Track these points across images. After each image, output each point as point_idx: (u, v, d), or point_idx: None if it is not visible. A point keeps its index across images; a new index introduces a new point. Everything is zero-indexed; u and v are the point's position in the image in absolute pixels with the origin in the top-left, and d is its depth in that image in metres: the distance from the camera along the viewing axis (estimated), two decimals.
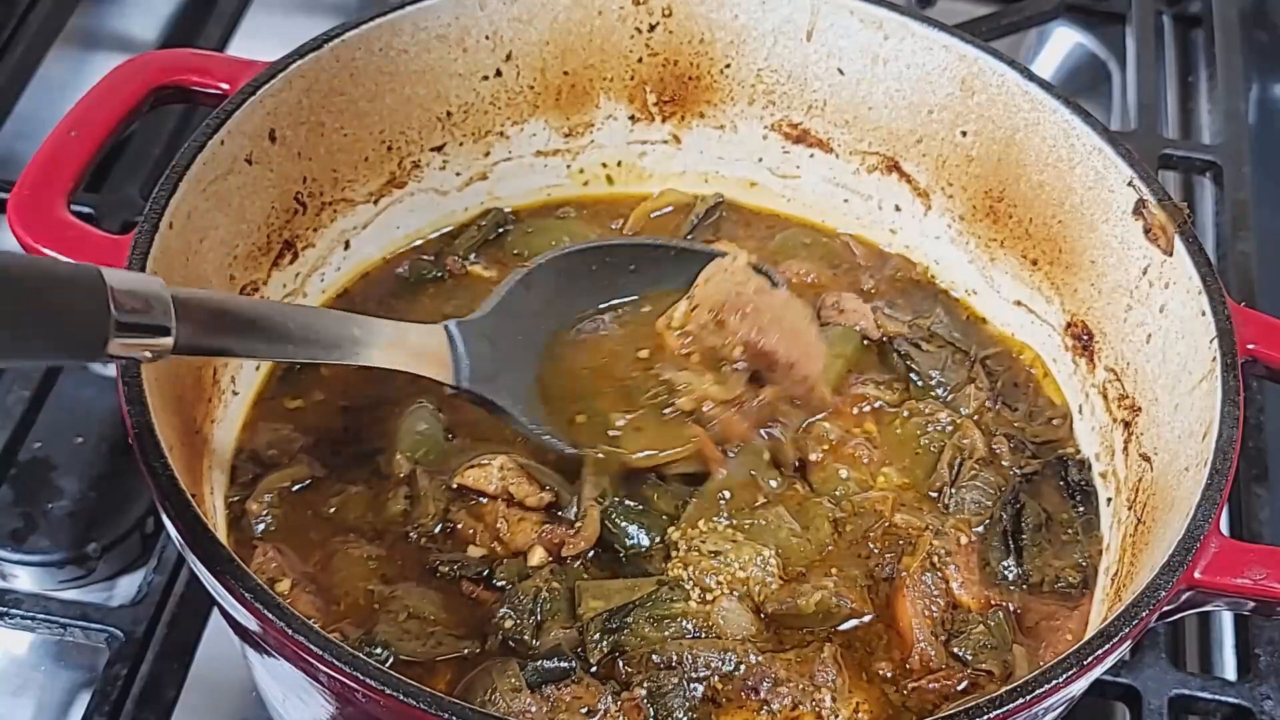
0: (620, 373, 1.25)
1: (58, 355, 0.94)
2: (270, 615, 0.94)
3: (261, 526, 1.20)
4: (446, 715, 0.91)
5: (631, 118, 1.48)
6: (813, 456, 1.26)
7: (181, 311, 0.96)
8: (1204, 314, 1.18)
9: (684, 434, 1.22)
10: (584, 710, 1.07)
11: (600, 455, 1.20)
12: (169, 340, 0.95)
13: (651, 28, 1.43)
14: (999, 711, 0.95)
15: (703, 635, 1.13)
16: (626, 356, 1.26)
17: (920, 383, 1.34)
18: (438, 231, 1.44)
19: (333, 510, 1.21)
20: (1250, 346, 1.18)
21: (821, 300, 1.39)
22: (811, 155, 1.48)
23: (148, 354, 0.95)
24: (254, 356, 1.13)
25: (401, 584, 1.16)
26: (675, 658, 1.10)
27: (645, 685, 1.09)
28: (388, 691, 0.92)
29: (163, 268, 1.14)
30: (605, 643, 1.12)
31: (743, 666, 1.11)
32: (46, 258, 0.95)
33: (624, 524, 1.19)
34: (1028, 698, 0.96)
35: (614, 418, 1.23)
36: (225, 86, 1.26)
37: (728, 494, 1.21)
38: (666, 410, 1.22)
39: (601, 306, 1.30)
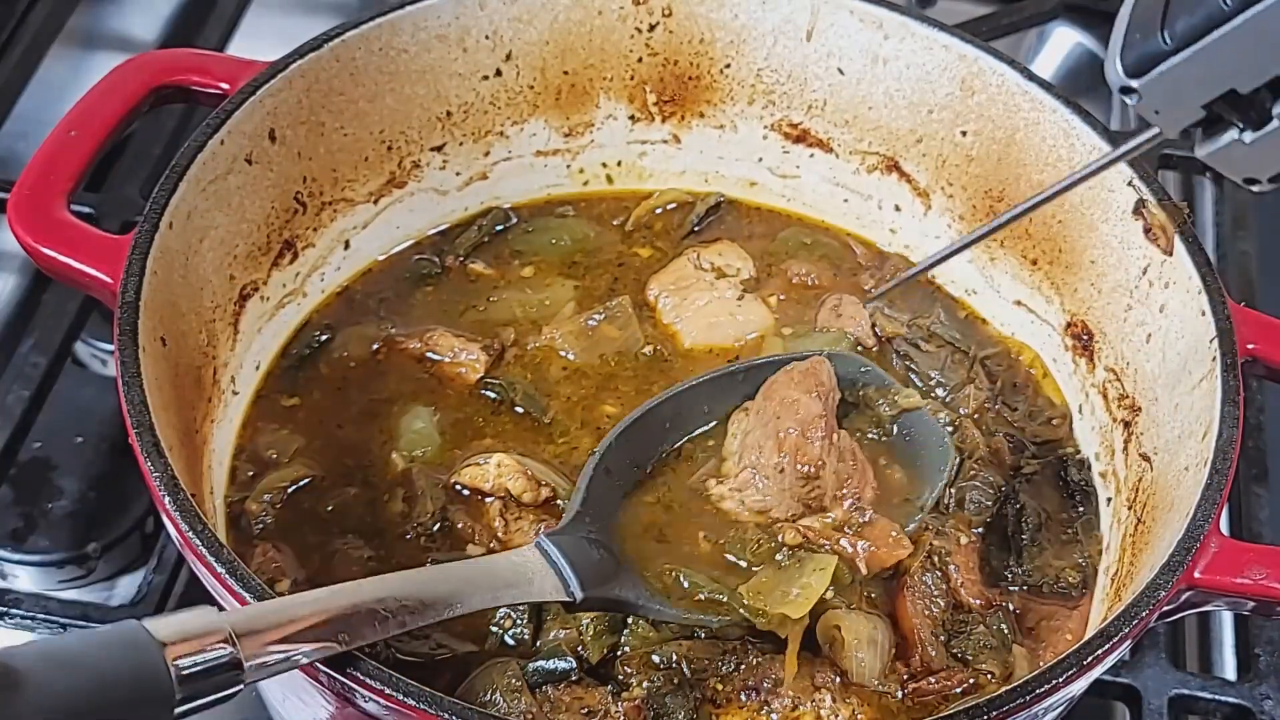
0: (711, 532, 1.19)
1: None
2: None
3: (261, 526, 1.20)
4: (446, 715, 0.91)
5: (631, 117, 1.48)
6: None
7: (244, 644, 0.87)
8: (1204, 314, 1.18)
9: (816, 565, 1.14)
10: (584, 710, 1.07)
11: (767, 621, 1.12)
12: (240, 685, 0.88)
13: (651, 28, 1.43)
14: (999, 712, 0.95)
15: (702, 636, 1.13)
16: (708, 512, 1.20)
17: (920, 383, 1.34)
18: (438, 230, 1.44)
19: (331, 510, 1.21)
20: (1250, 346, 1.18)
21: (821, 302, 1.39)
22: (811, 155, 1.47)
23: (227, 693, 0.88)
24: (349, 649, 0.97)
25: None
26: (675, 658, 1.10)
27: (645, 686, 1.09)
28: (388, 691, 0.92)
29: (163, 267, 1.14)
30: (605, 643, 1.11)
31: (743, 667, 1.11)
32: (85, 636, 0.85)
33: None
34: (1028, 698, 0.96)
35: (731, 581, 1.15)
36: (225, 86, 1.26)
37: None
38: (778, 557, 1.16)
39: (673, 444, 1.24)
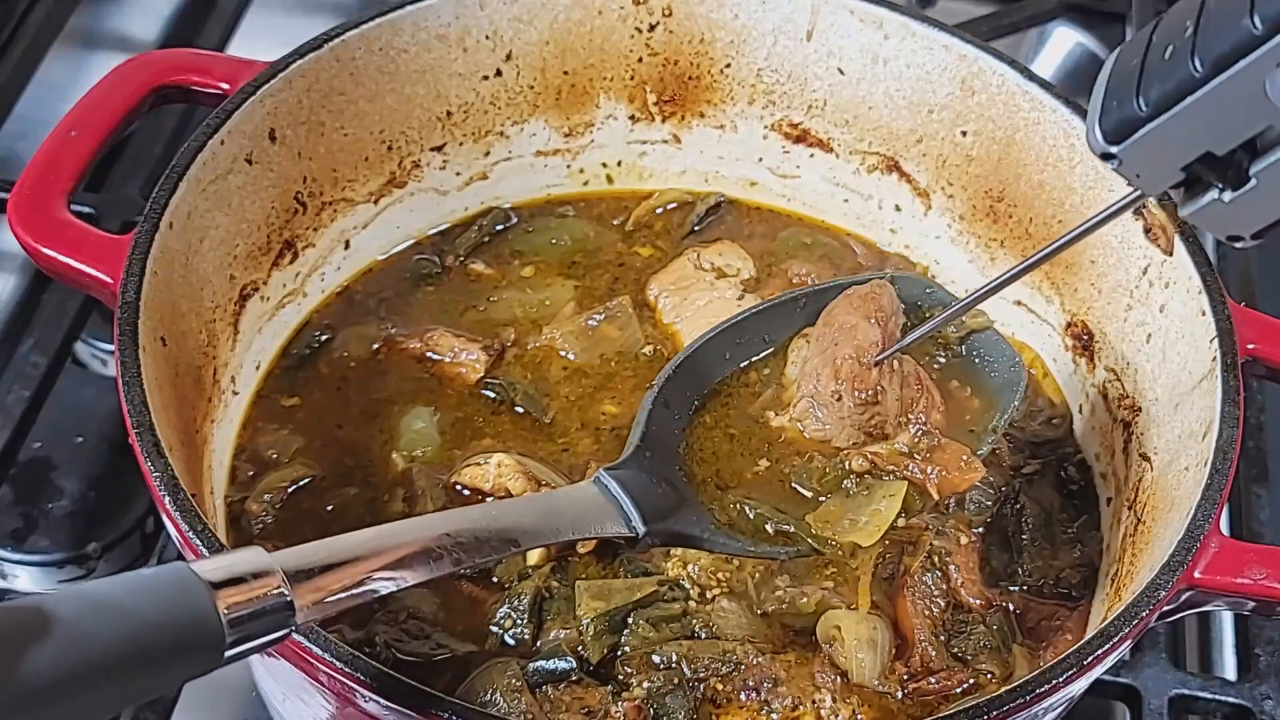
0: (774, 461, 1.17)
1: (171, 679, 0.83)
2: None
3: (261, 526, 1.20)
4: (446, 715, 0.91)
5: (631, 117, 1.48)
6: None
7: (295, 585, 0.84)
8: (1204, 314, 1.18)
9: (885, 492, 1.14)
10: (584, 710, 1.07)
11: (837, 549, 1.13)
12: (293, 627, 0.84)
13: (651, 27, 1.43)
14: (999, 711, 0.95)
15: (703, 635, 1.13)
16: (771, 440, 1.19)
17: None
18: (438, 230, 1.44)
19: (331, 510, 1.21)
20: (1250, 346, 1.18)
21: None
22: (811, 155, 1.47)
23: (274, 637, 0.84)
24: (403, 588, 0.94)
25: None
26: (675, 658, 1.10)
27: (645, 685, 1.09)
28: (388, 691, 0.92)
29: (163, 267, 1.14)
30: (605, 643, 1.11)
31: (743, 666, 1.11)
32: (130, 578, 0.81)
33: None
34: (1028, 698, 0.96)
35: (798, 511, 1.14)
36: (225, 86, 1.26)
37: None
38: (845, 484, 1.15)
39: (731, 373, 1.23)
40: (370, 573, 0.88)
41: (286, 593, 0.83)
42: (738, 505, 1.14)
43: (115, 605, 0.78)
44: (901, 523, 1.13)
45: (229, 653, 0.81)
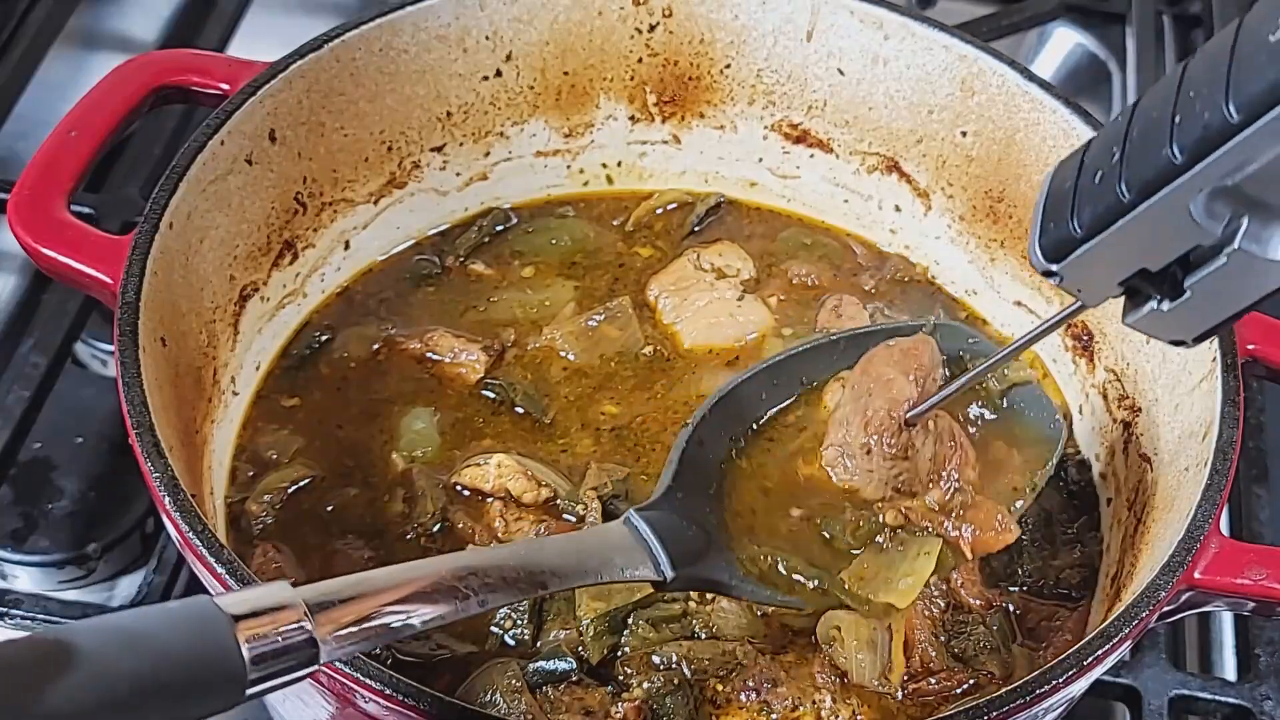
0: (807, 510, 1.15)
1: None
2: None
3: (261, 527, 1.20)
4: (446, 716, 0.91)
5: (631, 118, 1.48)
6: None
7: (319, 621, 0.82)
8: None
9: (920, 549, 1.12)
10: (584, 711, 1.07)
11: (872, 610, 1.11)
12: (317, 665, 0.83)
13: (651, 28, 1.43)
14: (999, 712, 0.95)
15: (702, 636, 1.13)
16: (805, 488, 1.16)
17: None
18: (438, 230, 1.44)
19: (331, 510, 1.21)
20: (1250, 346, 1.18)
21: (821, 302, 1.39)
22: (811, 155, 1.47)
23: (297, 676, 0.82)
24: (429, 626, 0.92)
25: None
26: (675, 658, 1.10)
27: (645, 686, 1.09)
28: (388, 692, 0.92)
29: (163, 268, 1.14)
30: (605, 643, 1.11)
31: (743, 667, 1.11)
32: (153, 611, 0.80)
33: None
34: (1028, 698, 0.96)
35: (830, 563, 1.12)
36: (225, 86, 1.26)
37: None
38: (879, 539, 1.12)
39: (767, 414, 1.19)
40: (396, 608, 0.87)
41: (309, 627, 0.81)
42: (768, 556, 1.11)
43: (138, 638, 0.77)
44: (934, 579, 1.11)
45: (251, 690, 0.79)
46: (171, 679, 0.76)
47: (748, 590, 1.09)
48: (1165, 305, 0.89)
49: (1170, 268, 0.87)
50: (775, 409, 1.20)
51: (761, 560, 1.11)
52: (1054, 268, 0.91)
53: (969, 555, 1.13)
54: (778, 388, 1.20)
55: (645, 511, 1.06)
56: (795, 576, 1.10)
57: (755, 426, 1.18)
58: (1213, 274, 0.84)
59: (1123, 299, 0.92)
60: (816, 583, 1.10)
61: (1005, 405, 1.21)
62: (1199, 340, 0.90)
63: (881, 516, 1.13)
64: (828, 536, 1.13)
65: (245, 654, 0.78)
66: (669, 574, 1.02)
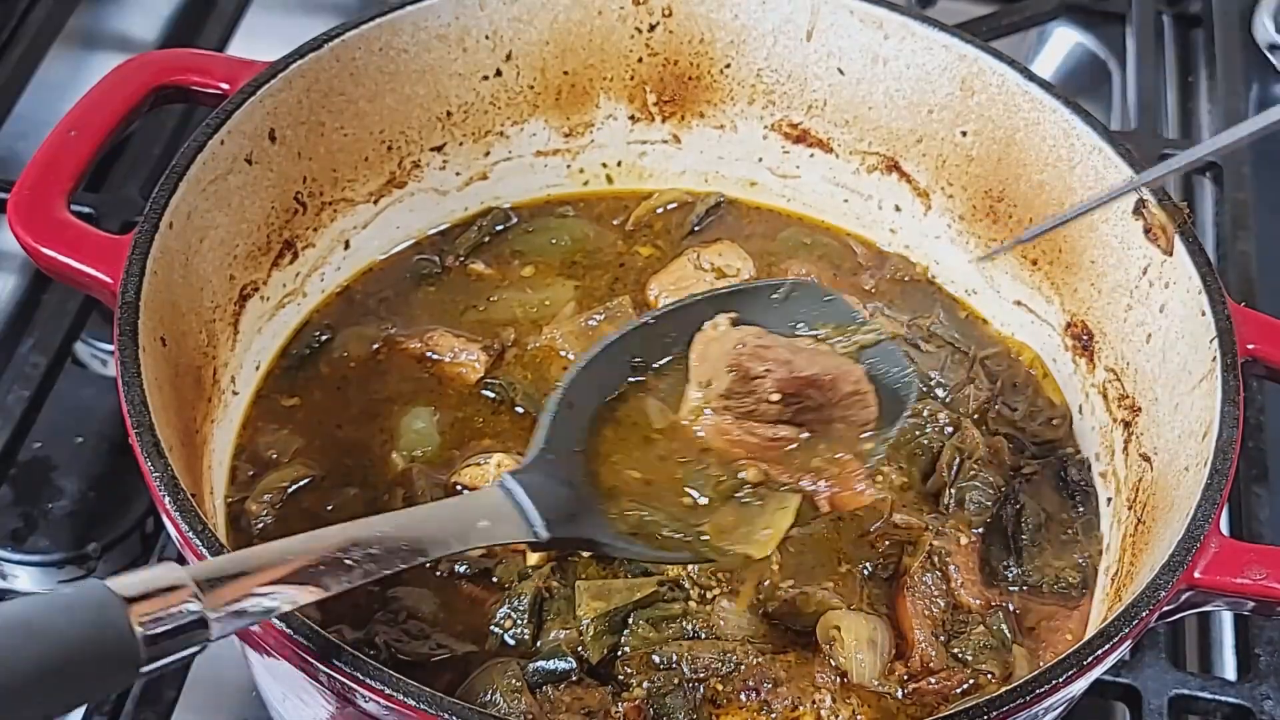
0: (672, 468, 1.17)
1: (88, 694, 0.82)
2: None
3: (261, 526, 1.20)
4: (446, 715, 0.91)
5: (631, 117, 1.48)
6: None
7: (209, 599, 0.85)
8: (1204, 314, 1.18)
9: (778, 504, 1.14)
10: (584, 710, 1.07)
11: (731, 560, 1.12)
12: (206, 643, 0.85)
13: (651, 28, 1.43)
14: (999, 712, 0.95)
15: (703, 636, 1.13)
16: (670, 446, 1.18)
17: (920, 383, 1.33)
18: (438, 230, 1.44)
19: (331, 510, 1.21)
20: (1250, 346, 1.18)
21: None
22: (811, 155, 1.47)
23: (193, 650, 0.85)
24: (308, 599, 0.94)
25: (400, 584, 1.16)
26: (675, 658, 1.10)
27: (645, 686, 1.09)
28: (388, 691, 0.92)
29: (163, 267, 1.14)
30: (605, 643, 1.12)
31: (743, 667, 1.11)
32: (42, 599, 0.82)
33: None
34: (1028, 698, 0.96)
35: (692, 518, 1.14)
36: (225, 86, 1.26)
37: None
38: (739, 495, 1.14)
39: (638, 376, 1.21)
40: (282, 585, 0.89)
41: (201, 607, 0.84)
42: (637, 512, 1.12)
43: (35, 625, 0.79)
44: (796, 533, 1.13)
45: (145, 668, 0.81)
46: (67, 664, 0.78)
47: (620, 548, 1.10)
48: None
49: None
50: (645, 369, 1.21)
51: (631, 517, 1.12)
52: None
53: (826, 508, 1.15)
54: (649, 347, 1.21)
55: (519, 475, 1.07)
56: (663, 532, 1.11)
57: (623, 387, 1.20)
58: None
59: None
60: (680, 535, 1.11)
61: (863, 362, 1.22)
62: None
63: (744, 474, 1.15)
64: (692, 492, 1.15)
65: (139, 635, 0.81)
66: (544, 534, 1.04)
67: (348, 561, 0.92)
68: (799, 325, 1.23)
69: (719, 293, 1.25)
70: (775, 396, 1.16)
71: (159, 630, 0.82)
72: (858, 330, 1.23)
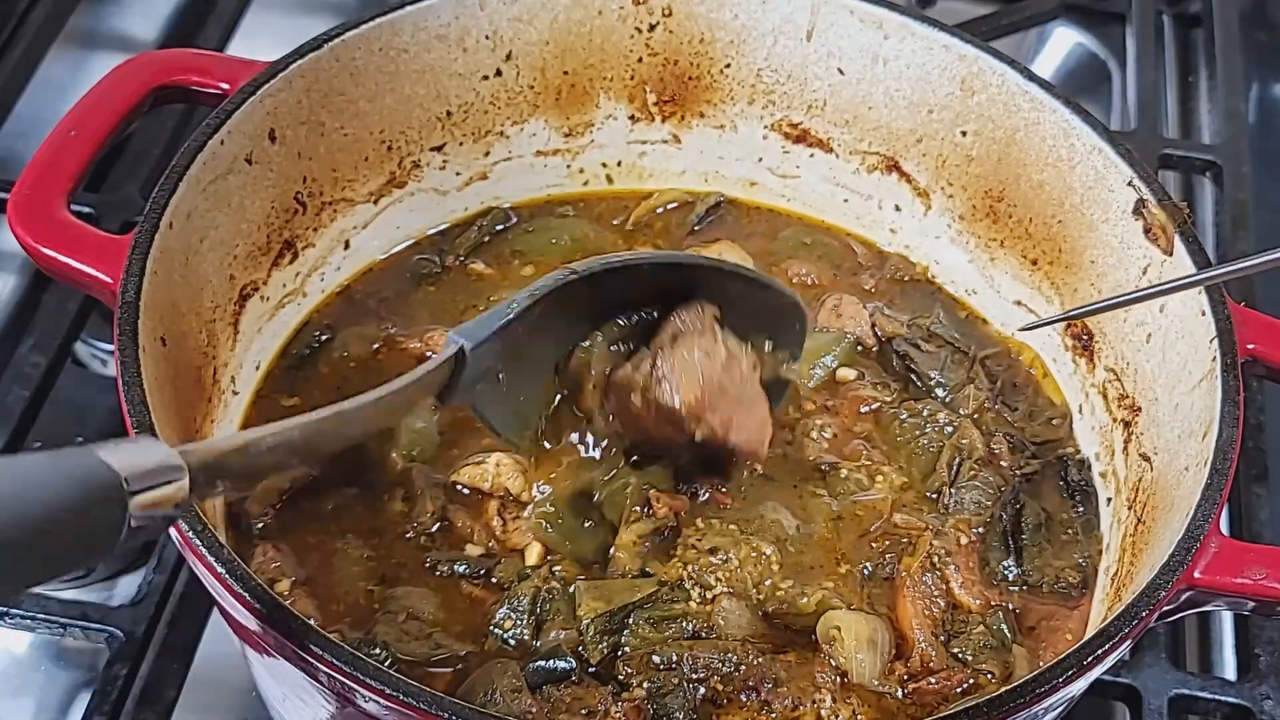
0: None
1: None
2: (270, 615, 0.94)
3: (261, 526, 1.20)
4: (446, 715, 0.91)
5: (631, 117, 1.48)
6: (810, 456, 1.27)
7: (198, 475, 0.86)
8: (1204, 314, 1.18)
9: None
10: (584, 710, 1.07)
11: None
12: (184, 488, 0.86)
13: (651, 28, 1.43)
14: (999, 712, 0.95)
15: (703, 636, 1.13)
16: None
17: (919, 383, 1.34)
18: (438, 230, 1.44)
19: (331, 510, 1.21)
20: (1250, 346, 1.18)
21: (821, 302, 1.39)
22: (811, 155, 1.48)
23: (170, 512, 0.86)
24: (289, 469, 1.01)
25: (400, 584, 1.16)
26: (675, 658, 1.10)
27: (645, 686, 1.09)
28: (388, 691, 0.92)
29: (163, 267, 1.14)
30: (605, 643, 1.12)
31: (743, 667, 1.11)
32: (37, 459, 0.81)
33: None
34: (1028, 698, 0.96)
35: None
36: (225, 86, 1.26)
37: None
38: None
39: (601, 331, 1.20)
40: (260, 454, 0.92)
41: (178, 459, 0.85)
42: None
43: (27, 482, 0.78)
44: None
45: (122, 534, 0.81)
46: (54, 528, 0.77)
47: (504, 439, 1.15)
48: None
49: None
50: (617, 314, 1.19)
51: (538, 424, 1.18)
52: None
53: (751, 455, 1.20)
54: (638, 290, 1.19)
55: (478, 346, 1.08)
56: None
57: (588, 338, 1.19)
58: None
59: None
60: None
61: (742, 309, 1.21)
62: None
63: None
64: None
65: (130, 522, 0.81)
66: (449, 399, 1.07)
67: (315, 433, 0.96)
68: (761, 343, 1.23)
69: (724, 268, 1.22)
70: (699, 435, 1.16)
71: (140, 470, 0.82)
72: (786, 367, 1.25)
